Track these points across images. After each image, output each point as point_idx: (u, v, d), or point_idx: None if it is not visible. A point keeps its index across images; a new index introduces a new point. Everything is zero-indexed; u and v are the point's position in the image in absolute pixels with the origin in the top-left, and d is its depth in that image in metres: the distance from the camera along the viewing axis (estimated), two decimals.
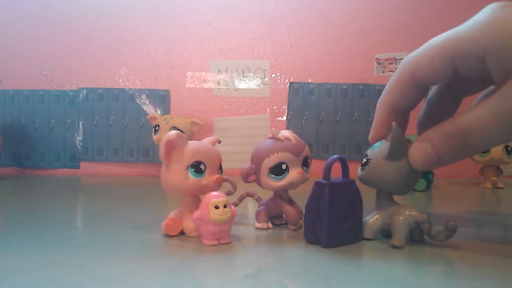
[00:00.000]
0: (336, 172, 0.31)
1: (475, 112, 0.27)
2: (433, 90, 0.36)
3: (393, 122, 0.30)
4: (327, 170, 0.30)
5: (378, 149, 0.31)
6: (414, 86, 0.30)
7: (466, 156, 0.28)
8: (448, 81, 0.35)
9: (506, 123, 0.26)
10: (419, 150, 0.29)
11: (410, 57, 0.30)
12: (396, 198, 0.33)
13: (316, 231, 0.30)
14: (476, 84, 0.34)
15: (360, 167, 0.33)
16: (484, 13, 0.27)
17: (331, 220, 0.30)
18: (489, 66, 0.26)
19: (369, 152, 0.32)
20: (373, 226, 0.32)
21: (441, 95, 0.36)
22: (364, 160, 0.32)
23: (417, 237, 0.32)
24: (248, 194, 0.40)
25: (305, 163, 0.36)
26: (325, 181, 0.30)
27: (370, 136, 0.34)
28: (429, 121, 0.36)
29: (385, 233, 0.32)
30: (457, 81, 0.35)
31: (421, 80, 0.30)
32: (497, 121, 0.26)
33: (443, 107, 0.36)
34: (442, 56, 0.28)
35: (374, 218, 0.32)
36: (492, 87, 0.31)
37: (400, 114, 0.33)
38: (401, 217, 0.30)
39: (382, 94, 0.33)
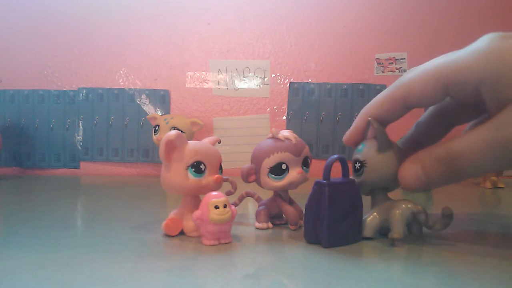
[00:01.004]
0: (336, 172, 0.31)
1: (467, 139, 0.27)
2: (424, 115, 0.37)
3: (369, 118, 0.32)
4: (327, 170, 0.30)
5: (366, 149, 0.32)
6: (404, 106, 0.31)
7: (456, 180, 0.29)
8: (440, 107, 0.36)
9: (497, 153, 0.26)
10: (410, 172, 0.30)
11: (405, 79, 0.31)
12: (392, 195, 0.33)
13: (316, 231, 0.30)
14: (469, 113, 0.35)
15: (354, 175, 0.33)
16: (481, 43, 0.27)
17: (331, 220, 0.30)
18: (484, 95, 0.27)
19: (359, 156, 0.33)
20: (372, 224, 0.32)
21: (432, 121, 0.36)
22: (358, 165, 0.32)
23: (415, 230, 0.32)
24: (248, 194, 0.40)
25: (305, 163, 0.36)
26: (325, 181, 0.30)
27: (345, 138, 0.35)
28: (413, 145, 0.37)
29: (384, 232, 0.33)
30: (451, 109, 0.35)
31: (412, 102, 0.30)
32: (489, 150, 0.26)
33: (432, 133, 0.36)
34: (437, 83, 0.28)
35: (372, 216, 0.33)
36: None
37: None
38: (397, 211, 0.31)
39: (368, 105, 0.33)
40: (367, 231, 0.32)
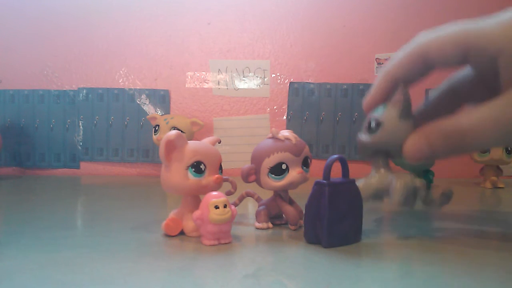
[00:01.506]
0: (336, 172, 0.31)
1: (476, 114, 0.27)
2: (435, 92, 0.36)
3: (401, 83, 0.31)
4: (327, 170, 0.30)
5: (387, 112, 0.31)
6: (423, 64, 0.30)
7: (460, 154, 0.29)
8: (452, 85, 0.35)
9: (506, 130, 0.26)
10: (415, 143, 0.30)
11: (423, 37, 0.30)
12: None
13: (316, 231, 0.30)
14: (482, 93, 0.34)
15: (365, 133, 0.32)
16: (506, 15, 0.27)
17: (331, 220, 0.30)
18: (500, 66, 0.26)
19: (377, 115, 0.32)
20: (370, 187, 0.32)
21: (443, 97, 0.36)
22: (373, 123, 0.31)
23: (409, 203, 0.32)
24: (248, 194, 0.40)
25: (305, 163, 0.36)
26: (325, 181, 0.30)
27: (366, 102, 0.34)
28: (421, 119, 0.36)
29: (377, 197, 0.32)
30: (463, 88, 0.35)
31: (431, 61, 0.30)
32: (498, 126, 0.26)
33: (441, 109, 0.36)
34: (456, 45, 0.28)
35: (371, 179, 0.33)
36: None
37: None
38: (401, 181, 0.31)
39: (388, 65, 0.32)
40: (364, 193, 0.32)
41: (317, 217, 0.30)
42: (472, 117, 0.27)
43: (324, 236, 0.30)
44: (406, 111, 0.30)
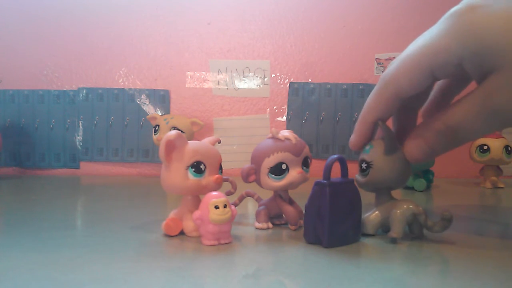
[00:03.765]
0: (336, 172, 0.31)
1: (459, 110, 0.29)
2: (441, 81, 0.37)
3: (379, 121, 0.32)
4: (327, 170, 0.30)
5: (373, 151, 0.33)
6: (398, 100, 0.32)
7: (457, 146, 0.30)
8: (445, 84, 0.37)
9: (489, 119, 0.28)
10: (415, 146, 0.31)
11: (388, 75, 0.32)
12: (394, 194, 0.34)
13: (316, 231, 0.30)
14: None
15: (359, 174, 0.34)
16: (451, 20, 0.28)
17: (332, 220, 0.30)
18: (467, 69, 0.28)
19: (365, 156, 0.33)
20: (374, 221, 0.33)
21: (450, 82, 0.37)
22: (364, 165, 0.33)
23: (416, 230, 0.33)
24: (248, 194, 0.40)
25: (305, 163, 0.36)
26: (325, 181, 0.30)
27: (351, 144, 0.35)
28: (434, 107, 0.37)
29: (385, 229, 0.33)
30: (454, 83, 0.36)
31: (404, 95, 0.31)
32: (480, 118, 0.28)
33: (452, 91, 0.37)
34: (421, 70, 0.29)
35: (374, 214, 0.33)
36: None
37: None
38: (398, 210, 0.31)
39: (364, 110, 0.34)
40: (369, 228, 0.33)
41: (318, 217, 0.30)
42: (457, 114, 0.29)
43: (325, 236, 0.30)
44: (390, 146, 0.32)
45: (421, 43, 0.29)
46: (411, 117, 0.37)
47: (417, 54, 0.29)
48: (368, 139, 0.34)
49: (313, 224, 0.31)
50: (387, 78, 0.31)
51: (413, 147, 0.31)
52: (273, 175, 0.34)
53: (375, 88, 0.33)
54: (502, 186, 0.66)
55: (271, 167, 0.34)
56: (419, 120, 0.37)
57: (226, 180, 0.38)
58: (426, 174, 0.62)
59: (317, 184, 0.31)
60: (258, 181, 0.36)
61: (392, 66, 0.31)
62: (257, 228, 0.36)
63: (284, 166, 0.34)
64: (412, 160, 0.32)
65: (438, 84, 0.37)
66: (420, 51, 0.29)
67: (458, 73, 0.29)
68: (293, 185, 0.35)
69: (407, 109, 0.36)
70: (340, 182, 0.31)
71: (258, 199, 0.39)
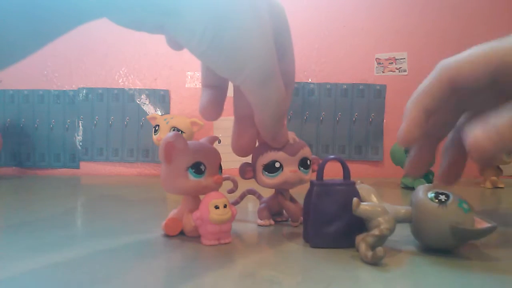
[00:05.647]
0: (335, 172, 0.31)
1: None
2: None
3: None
4: (320, 170, 0.30)
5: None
6: (450, 89, 0.30)
7: None
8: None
9: None
10: (484, 138, 0.26)
11: (450, 62, 0.30)
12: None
13: (307, 229, 0.31)
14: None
15: (437, 203, 0.29)
16: None
17: (316, 219, 0.30)
18: None
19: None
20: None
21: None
22: (443, 197, 0.29)
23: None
24: (250, 192, 0.41)
25: (304, 164, 0.36)
26: (315, 181, 0.30)
27: (403, 137, 0.31)
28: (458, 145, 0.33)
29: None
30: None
31: (461, 84, 0.29)
32: None
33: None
34: (487, 65, 0.28)
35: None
36: None
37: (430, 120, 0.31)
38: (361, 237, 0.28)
39: (416, 95, 0.31)
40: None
41: (308, 216, 0.30)
42: None
43: (311, 236, 0.30)
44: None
45: (495, 42, 0.28)
46: (462, 153, 0.33)
47: (488, 49, 0.27)
48: (420, 130, 0.30)
49: (306, 222, 0.31)
50: (447, 64, 0.29)
51: (482, 138, 0.26)
52: (267, 173, 0.35)
53: (430, 74, 0.30)
54: (502, 186, 0.66)
55: (265, 165, 0.35)
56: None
57: (228, 178, 0.38)
58: (426, 174, 0.62)
59: (310, 183, 0.31)
60: (255, 178, 0.36)
61: (456, 56, 0.29)
62: (259, 225, 0.37)
63: (277, 165, 0.34)
64: (478, 153, 0.26)
65: None
66: (491, 47, 0.27)
67: None
68: (287, 183, 0.35)
69: (460, 144, 0.33)
70: (331, 183, 0.30)
71: (259, 197, 0.40)
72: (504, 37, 0.28)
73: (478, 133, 0.27)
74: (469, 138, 0.27)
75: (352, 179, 0.31)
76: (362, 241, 0.28)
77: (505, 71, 0.27)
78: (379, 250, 0.26)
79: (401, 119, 0.31)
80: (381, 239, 0.28)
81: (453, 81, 0.29)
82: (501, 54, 0.27)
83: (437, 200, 0.29)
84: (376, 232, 0.28)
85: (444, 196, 0.29)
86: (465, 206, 0.29)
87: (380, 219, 0.28)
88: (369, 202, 0.30)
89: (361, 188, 0.31)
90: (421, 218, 0.29)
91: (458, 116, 0.34)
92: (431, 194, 0.29)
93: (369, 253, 0.26)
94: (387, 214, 0.29)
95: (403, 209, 0.30)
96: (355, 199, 0.28)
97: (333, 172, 0.42)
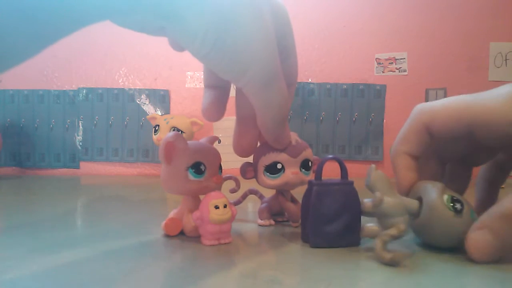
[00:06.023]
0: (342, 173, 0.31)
1: None
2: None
3: (379, 193, 0.28)
4: (319, 169, 0.30)
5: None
6: (428, 134, 0.31)
7: None
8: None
9: None
10: (481, 241, 0.27)
11: (426, 108, 0.31)
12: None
13: (306, 230, 0.31)
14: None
15: (453, 212, 0.29)
16: (506, 88, 0.28)
17: (316, 219, 0.30)
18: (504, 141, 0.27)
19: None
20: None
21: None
22: (459, 206, 0.29)
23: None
24: (251, 192, 0.41)
25: (305, 166, 0.36)
26: (314, 181, 0.30)
27: (400, 187, 0.32)
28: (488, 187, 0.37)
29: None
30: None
31: (435, 131, 0.31)
32: None
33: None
34: (459, 120, 0.29)
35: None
36: None
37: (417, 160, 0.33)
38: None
39: (396, 144, 0.33)
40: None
41: (307, 216, 0.30)
42: None
43: (310, 236, 0.30)
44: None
45: (470, 97, 0.29)
46: (493, 190, 0.35)
47: (462, 106, 0.29)
48: (413, 173, 0.32)
49: (304, 223, 0.31)
50: (423, 109, 0.31)
51: (479, 241, 0.27)
52: (268, 174, 0.35)
53: (408, 119, 0.32)
54: (502, 186, 0.66)
55: (266, 165, 0.35)
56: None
57: (230, 178, 0.39)
58: None
59: (308, 183, 0.31)
60: (256, 178, 0.36)
61: (433, 102, 0.31)
62: (259, 225, 0.37)
63: (279, 166, 0.34)
64: (478, 257, 0.27)
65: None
66: (466, 104, 0.29)
67: (493, 142, 0.28)
68: (288, 185, 0.35)
69: (490, 181, 0.36)
70: (330, 183, 0.30)
71: (261, 197, 0.40)
72: (479, 93, 0.29)
73: (474, 237, 0.27)
74: (467, 241, 0.27)
75: (371, 164, 0.32)
76: (379, 239, 0.27)
77: (476, 128, 0.28)
78: (399, 255, 0.26)
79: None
80: (395, 239, 0.28)
81: (427, 127, 0.31)
82: (472, 114, 0.28)
83: (453, 208, 0.28)
84: (394, 232, 0.27)
85: (459, 204, 0.29)
86: (475, 216, 0.29)
87: (401, 218, 0.28)
88: (379, 192, 0.29)
89: (376, 175, 0.29)
90: (433, 221, 0.29)
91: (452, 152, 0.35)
92: (446, 198, 0.29)
93: (388, 255, 0.26)
94: (406, 214, 0.29)
95: (413, 204, 0.30)
96: (378, 194, 0.28)
97: (333, 172, 0.42)
